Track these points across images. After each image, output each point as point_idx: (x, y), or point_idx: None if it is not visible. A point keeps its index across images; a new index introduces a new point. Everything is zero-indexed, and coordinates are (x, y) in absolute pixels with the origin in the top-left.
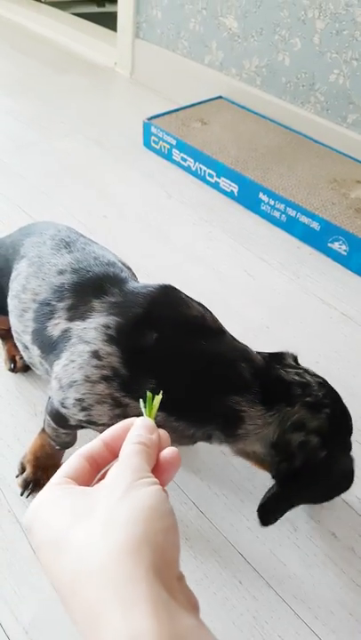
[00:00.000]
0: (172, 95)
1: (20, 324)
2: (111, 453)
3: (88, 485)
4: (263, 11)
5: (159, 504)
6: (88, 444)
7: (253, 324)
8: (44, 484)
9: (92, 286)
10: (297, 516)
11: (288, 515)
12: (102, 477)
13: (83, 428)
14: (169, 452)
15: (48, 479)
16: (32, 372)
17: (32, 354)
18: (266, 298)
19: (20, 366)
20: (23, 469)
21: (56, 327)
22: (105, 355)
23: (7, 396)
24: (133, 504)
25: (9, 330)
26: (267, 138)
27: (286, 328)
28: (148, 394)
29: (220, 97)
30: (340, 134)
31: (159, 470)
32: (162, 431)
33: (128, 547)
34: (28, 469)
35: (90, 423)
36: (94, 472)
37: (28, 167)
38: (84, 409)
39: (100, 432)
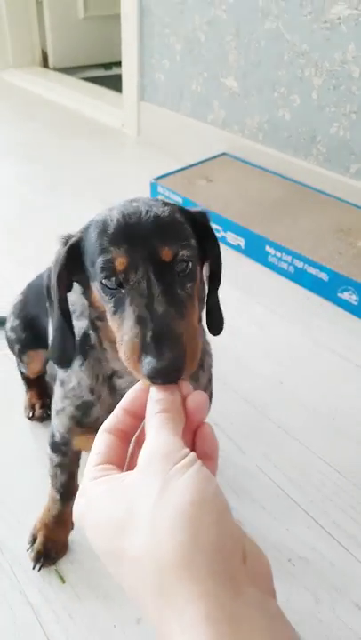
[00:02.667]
0: (178, 153)
1: None
2: (135, 418)
3: (124, 459)
4: (262, 70)
5: (202, 493)
6: (109, 417)
7: (267, 380)
8: (54, 557)
9: None
10: (319, 586)
11: (310, 586)
12: (137, 443)
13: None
14: (192, 400)
15: (58, 549)
16: (37, 442)
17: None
18: (278, 351)
19: (37, 415)
20: (34, 540)
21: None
22: None
23: (18, 464)
24: (173, 505)
25: (37, 378)
26: (271, 191)
27: (301, 383)
28: None
29: (224, 153)
30: (343, 184)
31: (190, 422)
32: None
33: (178, 561)
34: (39, 539)
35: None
36: (125, 444)
37: (39, 231)
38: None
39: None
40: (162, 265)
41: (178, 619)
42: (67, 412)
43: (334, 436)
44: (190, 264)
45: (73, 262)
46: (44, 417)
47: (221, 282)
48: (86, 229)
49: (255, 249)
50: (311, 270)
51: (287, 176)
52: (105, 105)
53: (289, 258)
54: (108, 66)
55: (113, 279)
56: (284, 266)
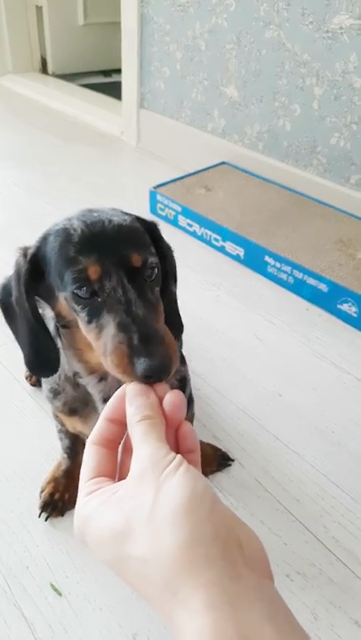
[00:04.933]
0: (177, 162)
1: None
2: (120, 425)
3: (114, 468)
4: (262, 79)
5: (192, 490)
6: (94, 429)
7: (265, 392)
8: (61, 508)
9: None
10: (317, 603)
11: (308, 602)
12: (125, 449)
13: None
14: (168, 402)
15: (66, 501)
16: (32, 456)
17: None
18: (277, 363)
19: (32, 382)
20: (43, 491)
21: None
22: None
23: (14, 478)
24: (168, 505)
25: None
26: (271, 201)
27: (299, 395)
28: None
29: (224, 162)
30: (343, 195)
31: (170, 423)
32: (156, 386)
33: (181, 556)
34: (47, 490)
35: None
36: (114, 452)
37: (36, 238)
38: None
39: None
40: (133, 271)
41: (185, 609)
42: (45, 392)
43: (333, 450)
44: (156, 270)
45: (33, 274)
46: (37, 385)
47: (176, 290)
48: (44, 239)
49: (254, 259)
50: (311, 281)
51: (287, 186)
52: (104, 112)
53: (288, 268)
54: (107, 73)
55: (86, 289)
56: (284, 276)
